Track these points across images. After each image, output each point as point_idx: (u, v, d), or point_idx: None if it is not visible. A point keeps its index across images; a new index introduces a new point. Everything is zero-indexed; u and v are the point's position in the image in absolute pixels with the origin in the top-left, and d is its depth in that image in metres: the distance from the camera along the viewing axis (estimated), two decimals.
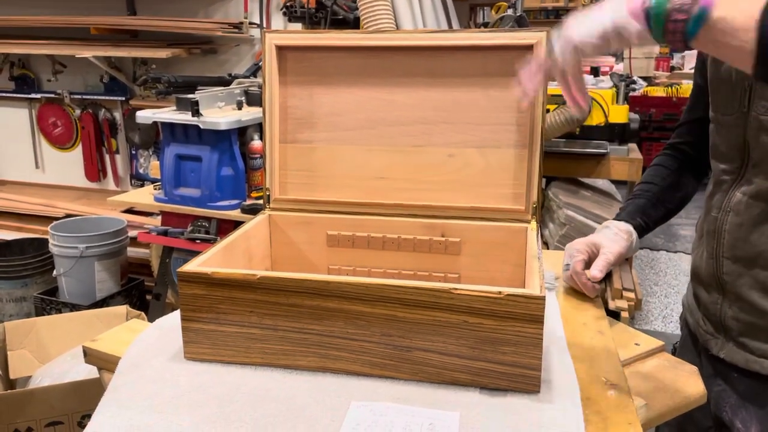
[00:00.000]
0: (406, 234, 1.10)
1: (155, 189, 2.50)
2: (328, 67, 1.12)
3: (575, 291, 1.11)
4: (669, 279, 3.76)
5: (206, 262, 0.91)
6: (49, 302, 2.75)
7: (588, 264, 1.08)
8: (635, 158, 2.91)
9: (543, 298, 0.78)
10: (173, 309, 2.79)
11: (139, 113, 2.30)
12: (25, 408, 1.61)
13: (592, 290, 1.07)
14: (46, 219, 3.41)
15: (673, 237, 4.43)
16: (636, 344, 1.05)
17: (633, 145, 3.02)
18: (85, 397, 1.65)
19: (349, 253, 1.13)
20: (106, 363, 1.00)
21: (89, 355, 1.02)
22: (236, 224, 2.26)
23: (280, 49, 1.12)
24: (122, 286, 2.83)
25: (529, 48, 1.03)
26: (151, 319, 2.49)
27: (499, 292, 0.79)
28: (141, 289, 2.92)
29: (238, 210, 2.24)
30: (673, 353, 1.28)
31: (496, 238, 1.07)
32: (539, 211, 1.06)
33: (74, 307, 2.67)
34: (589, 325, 1.01)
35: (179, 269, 0.88)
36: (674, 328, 3.23)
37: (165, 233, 2.33)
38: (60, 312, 2.72)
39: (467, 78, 1.08)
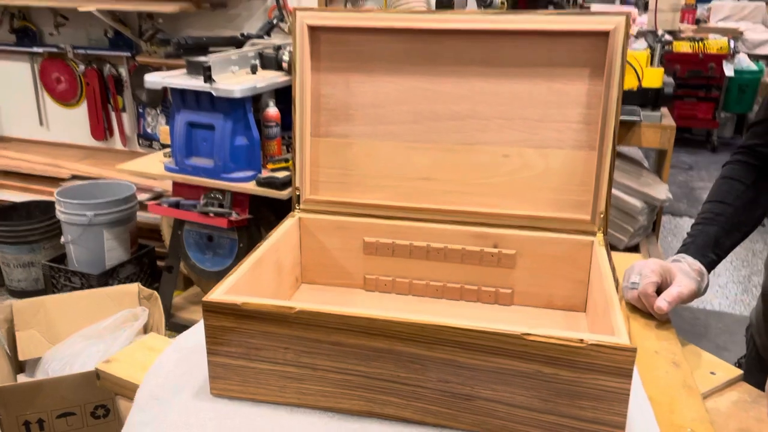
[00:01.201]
0: (453, 244, 0.98)
1: (165, 156, 2.37)
2: (367, 52, 0.98)
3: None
4: None
5: (235, 287, 0.80)
6: (58, 270, 2.66)
7: (658, 290, 0.96)
8: (668, 125, 2.76)
9: (634, 350, 0.66)
10: (185, 280, 2.71)
11: (147, 77, 2.15)
12: (35, 399, 1.53)
13: (663, 317, 0.96)
14: (52, 179, 3.30)
15: (696, 202, 4.29)
16: (711, 373, 0.94)
17: (665, 110, 2.87)
18: (96, 388, 1.57)
19: (388, 262, 1.01)
20: (121, 389, 0.90)
21: (102, 379, 0.92)
22: (251, 198, 2.14)
23: (313, 30, 0.97)
24: (132, 254, 2.74)
25: (603, 35, 0.89)
26: (163, 293, 2.41)
27: (581, 341, 0.67)
28: (152, 256, 2.83)
29: (254, 182, 2.11)
30: (738, 367, 1.18)
31: (557, 251, 0.95)
32: (607, 222, 0.94)
33: (83, 276, 2.59)
34: (662, 353, 0.90)
35: (204, 299, 0.76)
36: (701, 305, 3.13)
37: (177, 205, 2.22)
38: (69, 281, 2.64)
39: (528, 68, 0.94)
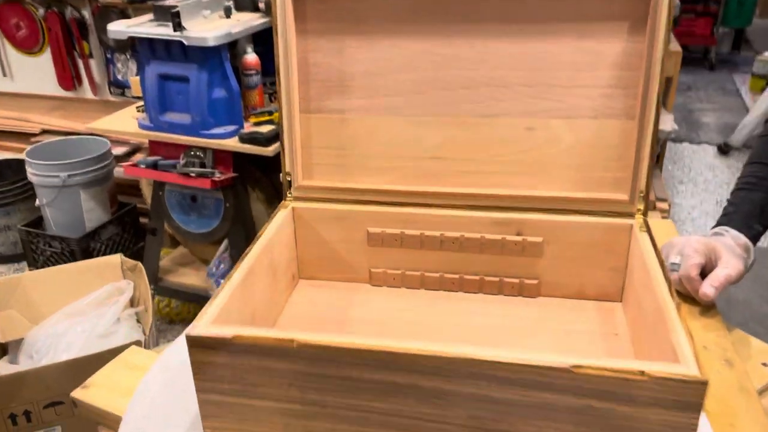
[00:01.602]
0: (470, 232, 0.86)
1: (138, 111, 2.20)
2: (363, 11, 0.82)
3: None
4: (694, 175, 3.54)
5: (224, 312, 0.68)
6: (36, 235, 2.53)
7: (702, 271, 0.86)
8: (674, 50, 2.61)
9: (706, 384, 0.55)
10: (172, 240, 2.58)
11: (110, 27, 1.95)
12: (20, 391, 1.44)
13: (708, 303, 0.86)
14: (22, 134, 3.11)
15: (695, 125, 4.16)
16: (763, 365, 0.84)
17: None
18: (84, 375, 1.47)
19: (396, 254, 0.89)
20: (102, 419, 0.79)
21: (80, 407, 0.81)
22: (235, 154, 1.99)
23: None
24: (113, 214, 2.60)
25: None
26: (148, 257, 2.29)
27: (642, 372, 0.56)
28: (134, 215, 2.69)
29: (236, 138, 1.96)
30: None
31: (590, 237, 0.83)
32: (647, 203, 0.82)
33: (63, 241, 2.46)
34: (711, 348, 0.80)
35: (187, 333, 0.64)
36: (705, 232, 3.05)
37: (155, 166, 2.06)
38: (49, 245, 2.51)
39: (555, 24, 0.79)
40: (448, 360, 0.59)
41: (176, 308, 2.41)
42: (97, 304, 1.77)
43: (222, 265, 2.18)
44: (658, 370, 0.56)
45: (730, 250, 0.87)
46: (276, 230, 0.84)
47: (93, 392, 0.80)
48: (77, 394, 0.81)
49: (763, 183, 0.95)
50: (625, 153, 0.81)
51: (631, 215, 0.82)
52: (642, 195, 0.81)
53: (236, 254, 2.13)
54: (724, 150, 3.74)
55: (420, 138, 0.85)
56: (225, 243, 2.18)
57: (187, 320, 2.45)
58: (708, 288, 0.83)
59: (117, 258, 1.86)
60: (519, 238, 0.85)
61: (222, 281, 2.09)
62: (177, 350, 0.84)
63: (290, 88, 0.85)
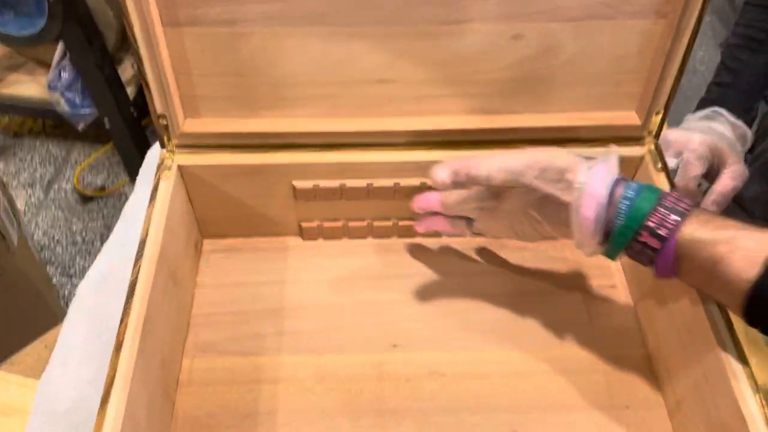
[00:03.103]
0: None
1: None
2: None
3: None
4: None
5: (130, 409, 0.47)
6: None
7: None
8: None
9: None
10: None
11: None
12: None
13: None
14: None
15: None
16: None
17: None
18: None
19: (334, 207, 0.66)
20: None
21: None
22: None
23: None
24: None
25: None
26: None
27: None
28: None
29: None
30: None
31: None
32: (663, 124, 0.62)
33: None
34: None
35: None
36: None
37: None
38: None
39: None
40: None
41: (18, 119, 2.01)
42: None
43: (64, 74, 1.76)
44: None
45: (734, 150, 0.72)
46: (165, 217, 0.57)
47: None
48: None
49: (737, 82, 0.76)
50: (643, 64, 0.59)
51: (640, 140, 0.63)
52: (659, 116, 0.61)
53: (77, 57, 1.72)
54: None
55: (357, 56, 0.57)
56: (61, 46, 1.73)
57: (35, 131, 2.07)
58: (711, 206, 0.70)
59: None
60: None
61: (71, 96, 1.68)
62: (60, 380, 0.62)
63: None
